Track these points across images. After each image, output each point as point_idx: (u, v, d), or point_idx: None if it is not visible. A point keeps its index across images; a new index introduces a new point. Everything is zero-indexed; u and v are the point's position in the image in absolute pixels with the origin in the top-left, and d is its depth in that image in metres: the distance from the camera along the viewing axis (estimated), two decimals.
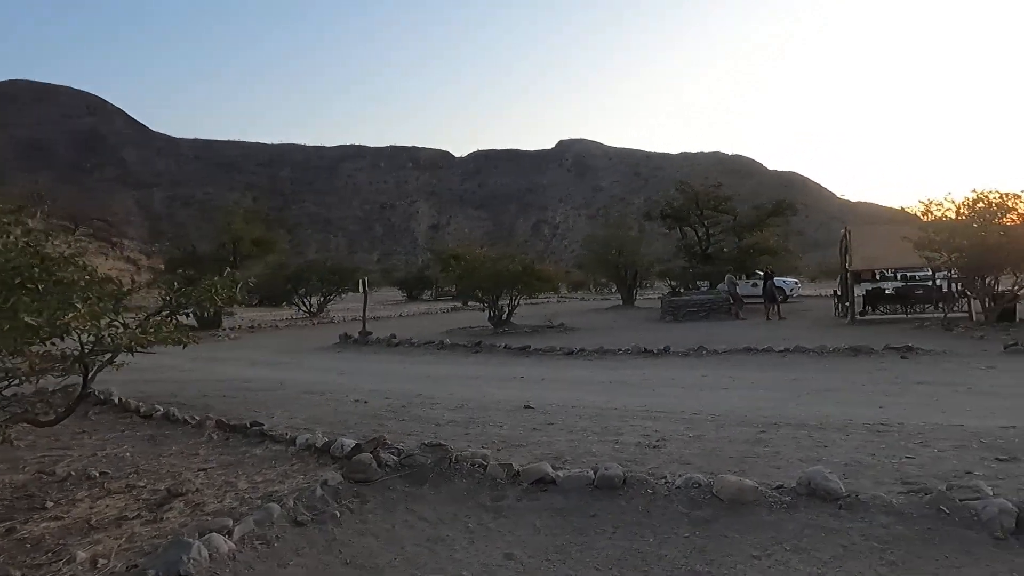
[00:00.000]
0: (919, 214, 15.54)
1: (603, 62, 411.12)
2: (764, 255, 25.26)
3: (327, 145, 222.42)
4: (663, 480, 4.56)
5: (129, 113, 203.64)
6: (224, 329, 23.17)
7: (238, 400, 9.34)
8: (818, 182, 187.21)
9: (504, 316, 19.69)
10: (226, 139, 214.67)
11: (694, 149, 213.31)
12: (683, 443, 6.09)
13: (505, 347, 14.30)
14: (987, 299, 14.84)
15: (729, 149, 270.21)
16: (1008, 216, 14.05)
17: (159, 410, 7.93)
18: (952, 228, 14.15)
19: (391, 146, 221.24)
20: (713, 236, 27.28)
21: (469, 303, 20.63)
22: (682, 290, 27.54)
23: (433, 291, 49.97)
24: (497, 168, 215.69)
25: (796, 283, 30.11)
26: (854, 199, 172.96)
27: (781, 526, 3.85)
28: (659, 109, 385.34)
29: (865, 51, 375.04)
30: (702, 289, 25.23)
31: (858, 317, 18.70)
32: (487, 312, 19.85)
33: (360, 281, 18.53)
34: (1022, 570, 3.23)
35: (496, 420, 7.46)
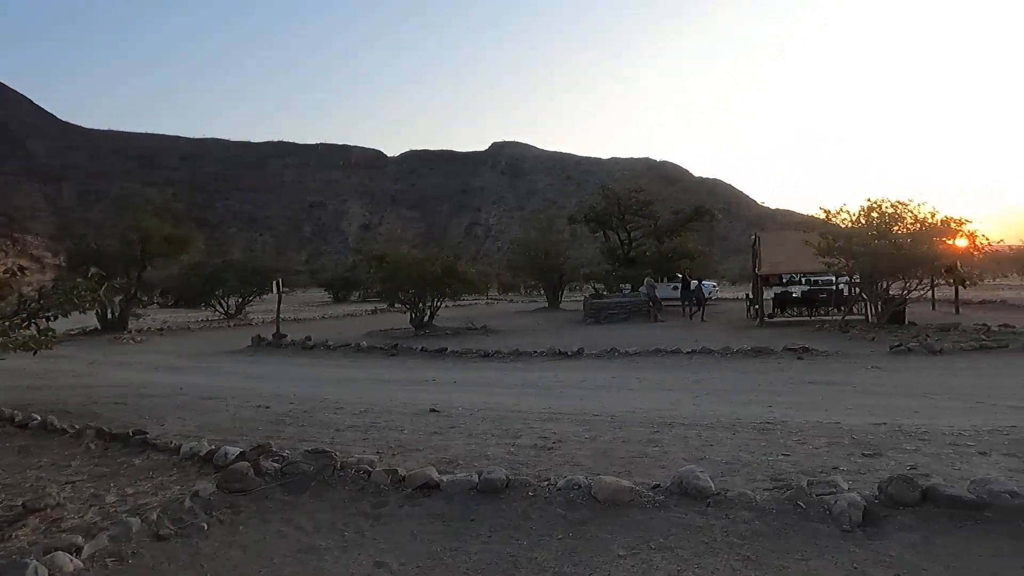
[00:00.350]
0: (822, 222, 16.39)
1: (538, 66, 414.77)
2: (683, 259, 26.10)
3: (253, 141, 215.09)
4: (546, 483, 4.60)
5: (36, 102, 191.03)
6: (130, 332, 21.98)
7: (130, 407, 8.86)
8: (741, 190, 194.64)
9: (426, 318, 19.52)
10: (145, 131, 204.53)
11: (624, 155, 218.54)
12: (578, 444, 6.17)
13: (422, 350, 14.17)
14: (879, 303, 15.81)
15: (658, 155, 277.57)
16: (899, 225, 15.01)
17: (36, 419, 7.41)
18: (848, 235, 15.00)
19: (322, 144, 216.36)
20: (635, 240, 27.96)
21: (396, 305, 20.31)
22: (605, 293, 28.09)
23: (361, 293, 49.04)
24: (431, 169, 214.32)
25: (715, 286, 31.20)
26: (774, 206, 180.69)
27: (651, 525, 3.94)
28: (591, 114, 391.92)
29: (783, 65, 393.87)
30: (624, 292, 25.82)
31: (767, 319, 19.54)
32: (409, 314, 19.63)
33: (274, 282, 17.95)
34: (863, 561, 3.41)
35: (398, 424, 7.37)
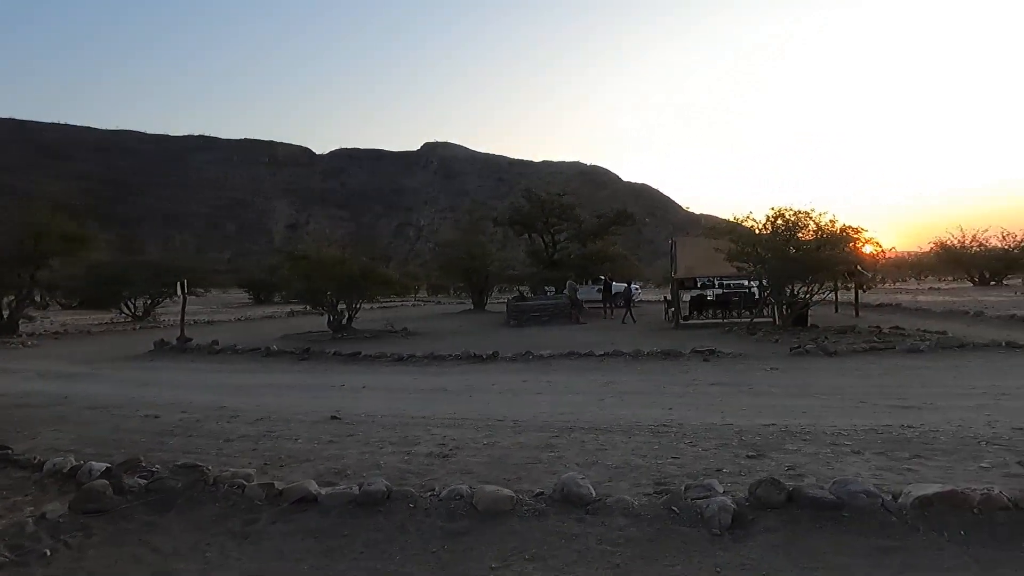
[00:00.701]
0: (730, 227, 17.00)
1: (471, 66, 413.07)
2: (606, 262, 26.55)
3: (172, 134, 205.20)
4: (429, 493, 4.48)
5: None
6: (20, 335, 20.43)
7: (1, 419, 8.19)
8: (667, 194, 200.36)
9: (344, 321, 19.04)
10: (50, 121, 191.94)
11: (556, 158, 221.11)
12: (475, 451, 6.09)
13: (335, 354, 13.78)
14: (784, 306, 16.53)
15: (588, 159, 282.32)
16: (802, 232, 15.73)
17: None
18: (756, 240, 15.61)
19: (246, 139, 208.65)
20: (559, 243, 28.25)
21: (316, 307, 19.70)
22: (529, 295, 28.30)
23: (284, 294, 47.51)
24: (361, 167, 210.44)
25: (637, 288, 31.89)
26: (698, 211, 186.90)
27: (527, 535, 3.89)
28: (524, 117, 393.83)
29: (711, 73, 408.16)
30: (549, 294, 26.04)
31: (683, 321, 20.11)
32: (327, 317, 19.09)
33: (178, 284, 17.06)
34: (726, 565, 3.46)
35: (294, 433, 7.09)
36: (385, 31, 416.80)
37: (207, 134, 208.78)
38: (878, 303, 24.94)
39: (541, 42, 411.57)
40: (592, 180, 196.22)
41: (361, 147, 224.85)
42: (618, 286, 27.93)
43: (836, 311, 22.62)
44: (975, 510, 3.66)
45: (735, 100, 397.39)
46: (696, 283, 22.31)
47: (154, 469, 4.91)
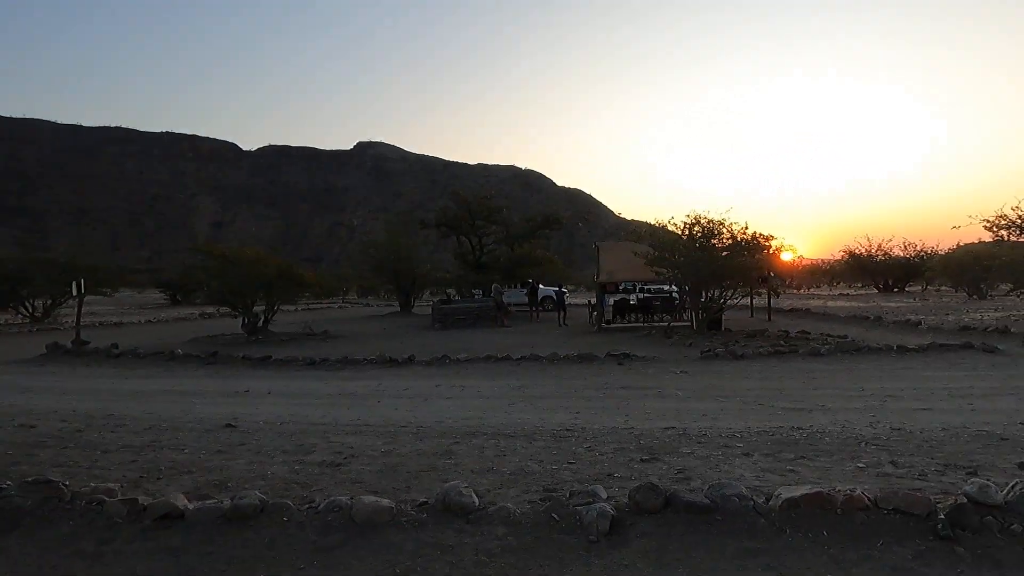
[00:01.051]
0: (649, 232, 17.37)
1: (408, 66, 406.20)
2: (533, 266, 26.65)
3: (87, 125, 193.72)
4: (307, 506, 4.28)
5: None
6: None
7: None
8: (600, 199, 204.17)
9: (260, 323, 18.35)
10: None
11: (492, 161, 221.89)
12: (370, 459, 5.90)
13: (243, 357, 13.22)
14: (699, 310, 17.02)
15: (524, 164, 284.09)
16: (716, 238, 16.22)
17: None
18: (673, 246, 15.99)
19: (167, 132, 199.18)
20: (487, 246, 28.18)
21: (233, 309, 18.84)
22: (456, 297, 28.12)
23: (203, 294, 45.58)
24: (292, 165, 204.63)
25: (565, 292, 32.21)
26: (630, 216, 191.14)
27: (402, 547, 3.76)
28: (460, 119, 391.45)
29: (651, 81, 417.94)
30: (476, 296, 25.93)
31: (606, 325, 20.41)
32: (241, 319, 18.34)
33: (74, 283, 15.96)
34: (599, 572, 3.43)
35: (182, 443, 6.70)
36: (318, 25, 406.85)
37: (125, 126, 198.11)
38: (790, 308, 26.06)
39: (480, 44, 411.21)
40: (527, 184, 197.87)
41: (292, 144, 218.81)
42: (547, 290, 28.14)
43: (752, 315, 23.48)
44: (838, 511, 3.77)
45: (670, 105, 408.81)
46: (618, 287, 22.67)
47: (4, 486, 4.50)
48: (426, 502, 4.29)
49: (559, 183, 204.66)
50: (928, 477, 4.95)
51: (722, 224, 15.93)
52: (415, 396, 9.38)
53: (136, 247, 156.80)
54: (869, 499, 3.81)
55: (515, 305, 28.97)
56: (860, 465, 5.32)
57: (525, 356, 12.44)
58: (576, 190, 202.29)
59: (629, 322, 21.34)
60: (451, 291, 30.06)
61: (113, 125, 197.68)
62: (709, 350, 12.82)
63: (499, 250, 28.52)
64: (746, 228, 15.93)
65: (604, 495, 4.26)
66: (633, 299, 22.73)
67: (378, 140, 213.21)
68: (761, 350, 12.82)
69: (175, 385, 10.92)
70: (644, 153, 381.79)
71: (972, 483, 3.84)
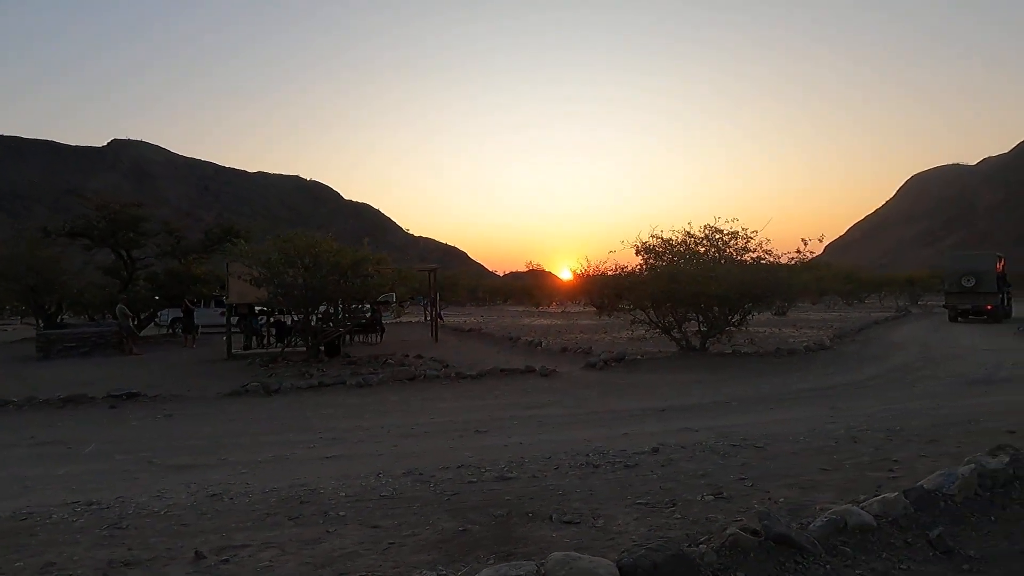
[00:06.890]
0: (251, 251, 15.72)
1: (177, 57, 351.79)
2: (196, 284, 23.76)
3: None
4: None
5: None
6: None
7: None
8: (388, 215, 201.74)
9: None
10: None
11: (273, 170, 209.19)
12: None
13: None
14: (310, 335, 15.80)
15: (309, 175, 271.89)
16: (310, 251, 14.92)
17: None
18: (266, 265, 14.46)
19: None
20: (142, 260, 24.61)
21: None
22: (69, 320, 24.41)
23: None
24: (25, 161, 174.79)
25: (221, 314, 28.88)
26: (418, 233, 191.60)
27: None
28: (235, 121, 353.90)
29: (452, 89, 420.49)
30: (111, 321, 22.30)
31: (242, 351, 18.47)
32: None
33: None
34: None
35: None
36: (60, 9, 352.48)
37: None
38: (469, 328, 26.12)
39: (262, 42, 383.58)
40: (312, 196, 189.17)
41: (25, 136, 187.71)
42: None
43: (433, 335, 22.97)
44: None
45: (471, 122, 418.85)
46: (252, 309, 20.66)
47: None
48: None
49: (346, 196, 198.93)
50: None
51: (317, 242, 14.74)
52: None
53: None
54: None
55: (208, 327, 25.80)
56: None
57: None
58: (364, 204, 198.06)
59: (265, 348, 19.50)
60: (64, 315, 25.62)
61: None
62: (243, 385, 11.37)
63: (165, 265, 24.98)
64: (331, 244, 14.84)
65: None
66: (262, 321, 20.99)
67: (137, 139, 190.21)
68: (300, 384, 11.75)
69: None
70: (436, 169, 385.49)
71: None
